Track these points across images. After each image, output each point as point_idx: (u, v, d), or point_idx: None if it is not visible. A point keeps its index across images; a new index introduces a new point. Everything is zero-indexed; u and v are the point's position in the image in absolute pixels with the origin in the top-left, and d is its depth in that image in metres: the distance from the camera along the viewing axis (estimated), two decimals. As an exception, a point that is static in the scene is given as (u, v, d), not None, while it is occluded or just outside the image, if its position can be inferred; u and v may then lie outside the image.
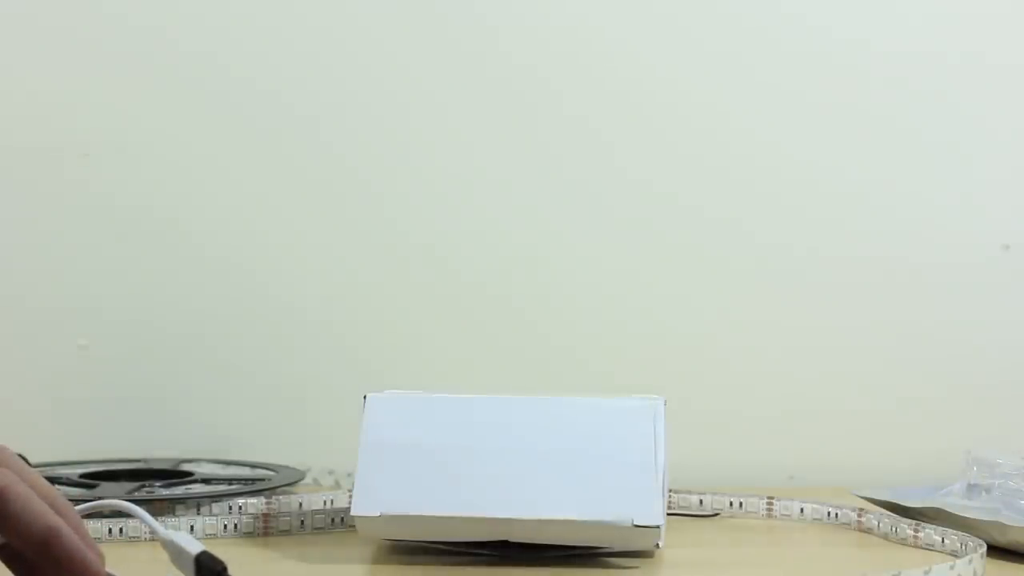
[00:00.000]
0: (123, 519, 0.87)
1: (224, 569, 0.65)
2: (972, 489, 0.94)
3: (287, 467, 1.07)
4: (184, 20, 1.17)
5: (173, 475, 1.03)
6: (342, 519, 0.92)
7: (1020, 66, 1.18)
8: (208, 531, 0.89)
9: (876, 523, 0.93)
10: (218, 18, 1.17)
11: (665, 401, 0.84)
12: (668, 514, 0.88)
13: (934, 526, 0.88)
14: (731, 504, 0.99)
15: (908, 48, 1.18)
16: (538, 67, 1.18)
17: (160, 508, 0.93)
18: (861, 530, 0.94)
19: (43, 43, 1.17)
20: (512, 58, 1.18)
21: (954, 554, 0.85)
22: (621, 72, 1.18)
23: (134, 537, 0.88)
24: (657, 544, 0.83)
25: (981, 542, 0.83)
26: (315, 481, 1.11)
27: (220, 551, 0.66)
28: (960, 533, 0.86)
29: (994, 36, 1.18)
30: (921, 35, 1.18)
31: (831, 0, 1.19)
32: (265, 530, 0.91)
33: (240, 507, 0.94)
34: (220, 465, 1.09)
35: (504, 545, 0.83)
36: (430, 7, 1.18)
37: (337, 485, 1.10)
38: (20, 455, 0.64)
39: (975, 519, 0.88)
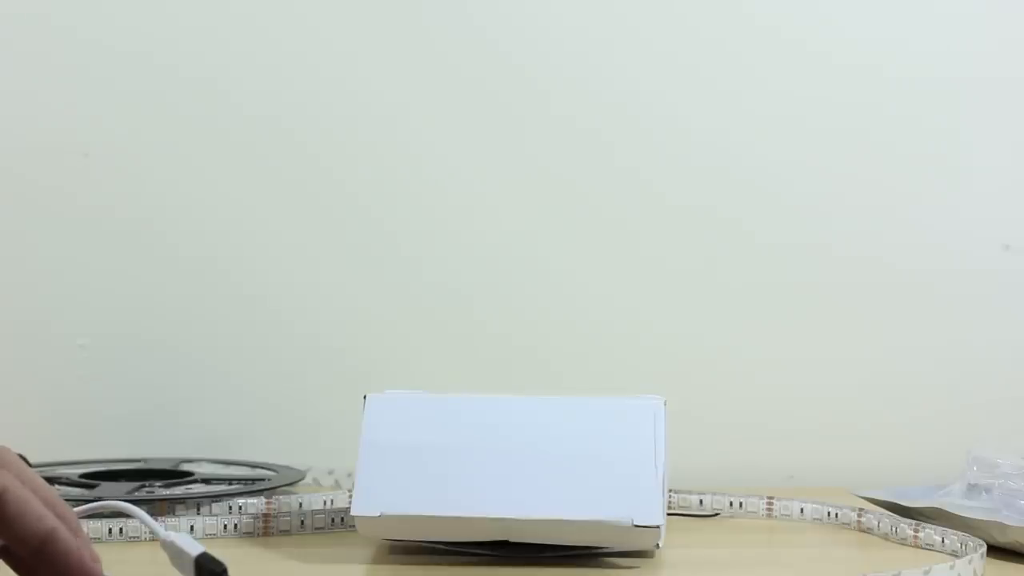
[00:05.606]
0: (123, 519, 0.87)
1: (224, 571, 0.64)
2: (972, 489, 0.94)
3: (287, 467, 1.07)
4: (183, 22, 1.17)
5: (173, 475, 1.03)
6: (342, 519, 0.92)
7: (1020, 66, 1.18)
8: (208, 531, 0.89)
9: (876, 523, 0.93)
10: (216, 22, 1.17)
11: (665, 401, 0.84)
12: (668, 514, 0.88)
13: (934, 526, 0.88)
14: (731, 504, 0.99)
15: (908, 50, 1.18)
16: (529, 68, 1.18)
17: (160, 508, 0.93)
18: (861, 530, 0.94)
19: (43, 43, 1.16)
20: (500, 60, 1.18)
21: (954, 554, 0.85)
22: (619, 71, 1.18)
23: (134, 537, 0.88)
24: (657, 544, 0.83)
25: (981, 542, 0.83)
26: (315, 481, 1.11)
27: (220, 551, 0.66)
28: (960, 533, 0.86)
29: (994, 37, 1.18)
30: (921, 36, 1.18)
31: (833, 1, 1.19)
32: (265, 530, 0.91)
33: (240, 507, 0.94)
34: (220, 465, 1.09)
35: (504, 545, 0.83)
36: (414, 8, 1.18)
37: (337, 485, 1.10)
38: (20, 455, 0.64)
39: (975, 519, 0.87)
